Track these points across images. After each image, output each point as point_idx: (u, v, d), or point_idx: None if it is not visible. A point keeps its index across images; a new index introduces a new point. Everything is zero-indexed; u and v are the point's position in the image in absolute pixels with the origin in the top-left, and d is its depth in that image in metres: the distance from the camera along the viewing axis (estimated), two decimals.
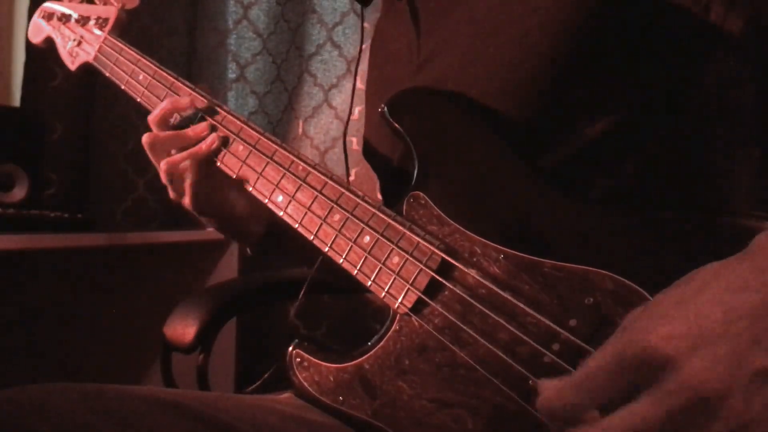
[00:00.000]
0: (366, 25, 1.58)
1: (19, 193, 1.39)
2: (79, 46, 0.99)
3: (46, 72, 1.63)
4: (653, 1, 0.62)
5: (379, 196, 1.34)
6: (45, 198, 1.53)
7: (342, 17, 1.63)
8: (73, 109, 1.68)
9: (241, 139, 0.77)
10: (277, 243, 0.87)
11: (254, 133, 0.77)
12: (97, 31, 0.96)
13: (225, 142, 0.79)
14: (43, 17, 1.06)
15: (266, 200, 0.73)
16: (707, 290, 0.41)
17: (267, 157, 0.74)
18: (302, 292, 0.82)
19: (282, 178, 0.72)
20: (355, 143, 1.54)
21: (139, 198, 1.75)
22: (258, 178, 0.75)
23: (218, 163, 0.79)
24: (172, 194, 0.82)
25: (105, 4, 0.98)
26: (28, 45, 1.61)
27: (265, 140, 0.75)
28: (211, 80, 1.74)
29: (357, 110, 1.60)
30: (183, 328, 0.91)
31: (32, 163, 1.42)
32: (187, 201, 0.81)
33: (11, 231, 1.16)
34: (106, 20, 0.97)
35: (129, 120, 1.73)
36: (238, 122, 0.79)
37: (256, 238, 0.87)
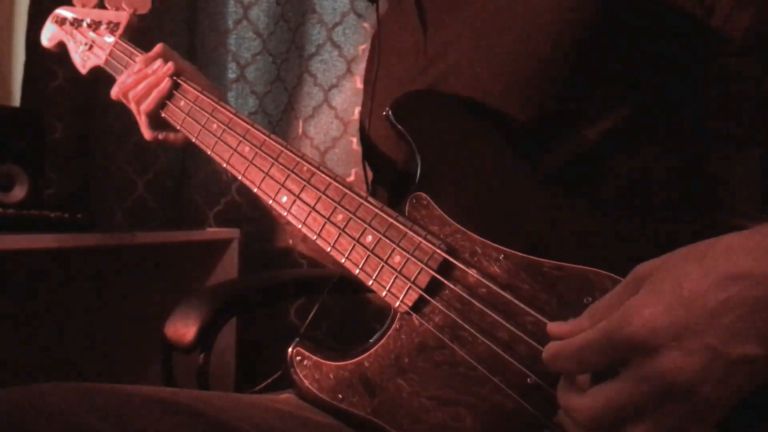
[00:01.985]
0: (366, 25, 1.59)
1: (19, 193, 1.39)
2: (91, 50, 1.01)
3: (46, 72, 1.63)
4: (657, 3, 0.63)
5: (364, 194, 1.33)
6: (45, 198, 1.53)
7: (342, 17, 1.63)
8: (73, 109, 1.68)
9: (247, 140, 0.79)
10: None
11: (260, 134, 0.78)
12: (109, 36, 0.99)
13: (227, 140, 0.81)
14: (55, 22, 1.08)
15: (271, 201, 0.74)
16: (707, 277, 0.41)
17: (272, 158, 0.75)
18: (317, 303, 0.84)
19: (287, 179, 0.73)
20: (355, 143, 1.54)
21: (139, 198, 1.75)
22: (264, 179, 0.75)
23: (224, 165, 0.80)
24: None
25: (116, 9, 1.01)
26: (29, 45, 1.62)
27: (271, 142, 0.77)
28: (211, 80, 1.72)
29: (357, 110, 1.60)
30: (183, 328, 0.91)
31: (32, 163, 1.42)
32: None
33: (11, 231, 1.15)
34: (117, 25, 0.99)
35: (129, 120, 1.72)
36: (245, 124, 0.80)
37: None
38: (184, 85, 0.88)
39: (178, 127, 0.87)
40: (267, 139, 0.77)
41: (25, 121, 1.44)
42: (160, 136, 0.94)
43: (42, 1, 1.60)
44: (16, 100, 1.67)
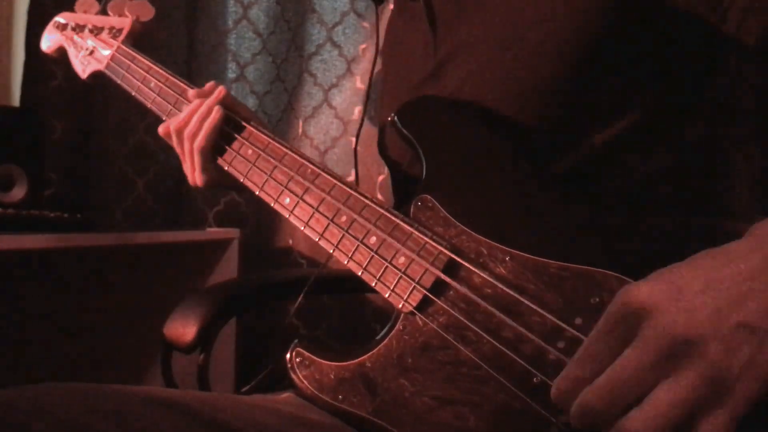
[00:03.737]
0: (366, 24, 1.58)
1: (18, 193, 1.39)
2: (92, 55, 1.01)
3: (45, 72, 1.63)
4: (669, 9, 0.63)
5: (379, 195, 1.34)
6: (44, 198, 1.53)
7: (342, 17, 1.63)
8: (72, 109, 1.68)
9: (251, 143, 0.79)
10: None
11: (264, 137, 0.78)
12: (111, 41, 0.99)
13: (234, 145, 0.81)
14: (56, 27, 1.08)
15: (273, 203, 0.75)
16: (692, 263, 0.43)
17: (276, 160, 0.76)
18: (301, 295, 0.83)
19: (290, 180, 0.74)
20: (355, 143, 1.54)
21: (138, 198, 1.75)
22: (267, 181, 0.76)
23: (227, 167, 0.81)
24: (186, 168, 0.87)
25: (119, 15, 1.01)
26: (28, 45, 1.62)
27: (275, 144, 0.77)
28: (211, 80, 1.74)
29: (357, 110, 1.60)
30: (183, 328, 0.91)
31: (32, 163, 1.42)
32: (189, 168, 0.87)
33: (11, 231, 1.15)
34: (120, 31, 0.99)
35: (129, 120, 1.73)
36: (249, 126, 0.80)
37: None
38: None
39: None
40: (271, 141, 0.78)
41: (24, 121, 1.44)
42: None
43: (42, 1, 1.59)
44: (16, 100, 1.67)
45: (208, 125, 0.82)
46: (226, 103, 0.85)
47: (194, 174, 0.86)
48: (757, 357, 0.39)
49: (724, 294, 0.40)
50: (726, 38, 0.62)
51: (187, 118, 0.84)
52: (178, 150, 0.87)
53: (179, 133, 0.85)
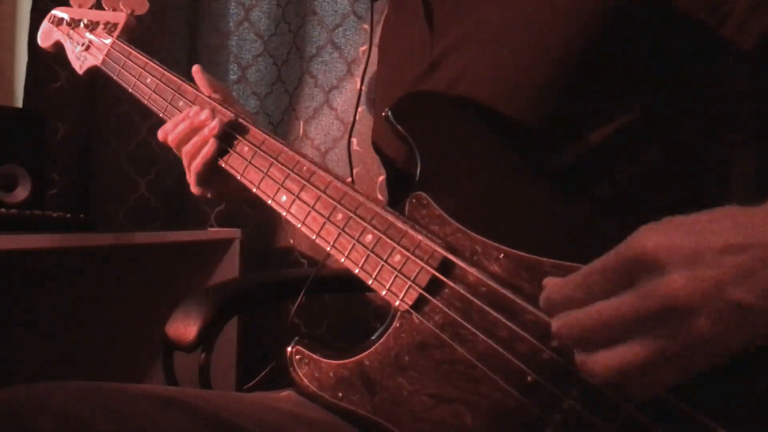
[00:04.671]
0: (366, 26, 1.59)
1: (21, 193, 1.39)
2: (88, 51, 1.00)
3: (48, 73, 1.63)
4: (668, 10, 0.63)
5: (379, 195, 1.35)
6: (47, 198, 1.53)
7: (342, 19, 1.63)
8: (75, 109, 1.68)
9: (247, 140, 0.79)
10: None
11: (260, 133, 0.78)
12: (106, 36, 0.98)
13: (230, 143, 0.80)
14: (52, 22, 1.07)
15: (270, 200, 0.75)
16: (716, 222, 0.42)
17: (272, 158, 0.76)
18: (302, 294, 0.83)
19: (286, 178, 0.74)
20: (355, 144, 1.54)
21: (141, 198, 1.75)
22: (263, 178, 0.76)
23: (223, 165, 0.80)
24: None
25: (114, 10, 1.00)
26: (31, 46, 1.62)
27: (272, 141, 0.77)
28: None
29: (357, 111, 1.60)
30: (185, 327, 0.91)
31: (35, 164, 1.42)
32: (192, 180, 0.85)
33: (14, 231, 1.16)
34: (115, 25, 0.99)
35: (131, 120, 1.73)
36: (246, 124, 0.80)
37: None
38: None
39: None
40: (267, 138, 0.77)
41: (27, 122, 1.45)
42: None
43: (44, 2, 1.60)
44: (19, 101, 1.67)
45: (204, 155, 0.81)
46: (225, 101, 0.85)
47: (193, 186, 0.86)
48: (737, 332, 0.40)
49: (735, 268, 0.39)
50: (724, 39, 0.62)
51: (182, 135, 0.83)
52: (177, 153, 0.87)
53: (177, 146, 0.85)
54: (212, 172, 0.83)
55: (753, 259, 0.39)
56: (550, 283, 0.47)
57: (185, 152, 0.83)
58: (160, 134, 0.86)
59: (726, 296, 0.39)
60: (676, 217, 0.43)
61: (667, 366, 0.41)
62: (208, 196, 0.87)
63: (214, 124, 0.81)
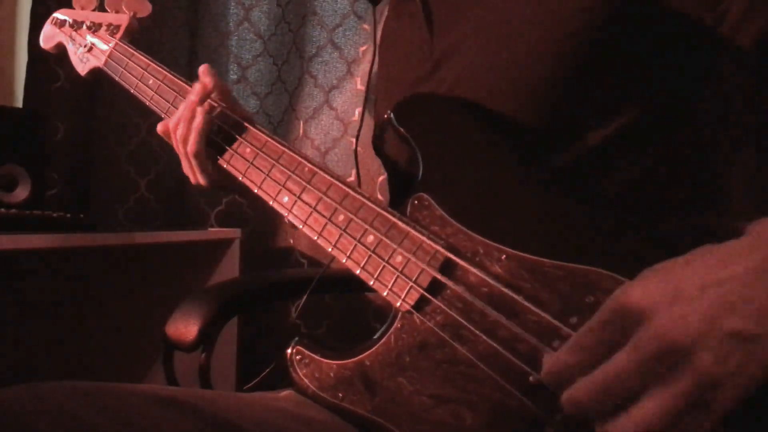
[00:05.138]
0: (366, 26, 1.59)
1: (21, 193, 1.39)
2: (90, 52, 1.01)
3: (48, 73, 1.64)
4: (666, 9, 0.63)
5: (379, 196, 1.35)
6: (47, 198, 1.53)
7: (342, 19, 1.63)
8: (75, 109, 1.68)
9: (249, 141, 0.79)
10: None
11: (262, 135, 0.78)
12: (108, 38, 0.99)
13: (232, 144, 0.81)
14: (54, 24, 1.08)
15: (272, 201, 0.75)
16: (691, 263, 0.42)
17: (273, 159, 0.76)
18: (305, 294, 0.83)
19: (288, 179, 0.74)
20: (355, 144, 1.54)
21: (141, 198, 1.76)
22: (264, 179, 0.76)
23: (225, 166, 0.81)
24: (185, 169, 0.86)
25: (116, 12, 1.01)
26: (31, 47, 1.63)
27: (273, 142, 0.77)
28: None
29: (357, 111, 1.61)
30: (185, 327, 0.91)
31: (35, 164, 1.42)
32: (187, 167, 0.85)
33: (14, 231, 1.16)
34: (117, 27, 0.99)
35: (131, 120, 1.73)
36: (246, 125, 0.80)
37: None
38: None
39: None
40: (269, 140, 0.78)
41: (27, 122, 1.45)
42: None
43: (44, 2, 1.60)
44: (19, 101, 1.68)
45: (195, 129, 0.81)
46: (225, 100, 0.85)
47: (195, 175, 0.86)
48: (747, 364, 0.39)
49: (720, 298, 0.40)
50: (721, 39, 0.62)
51: (177, 121, 0.83)
52: (176, 150, 0.87)
53: (174, 130, 0.84)
54: (213, 153, 0.82)
55: (735, 289, 0.39)
56: (547, 358, 0.47)
57: (179, 137, 0.83)
58: (160, 127, 0.87)
59: (721, 327, 0.39)
60: (651, 267, 0.44)
61: (693, 412, 0.40)
62: (211, 184, 0.86)
63: (197, 89, 0.82)
